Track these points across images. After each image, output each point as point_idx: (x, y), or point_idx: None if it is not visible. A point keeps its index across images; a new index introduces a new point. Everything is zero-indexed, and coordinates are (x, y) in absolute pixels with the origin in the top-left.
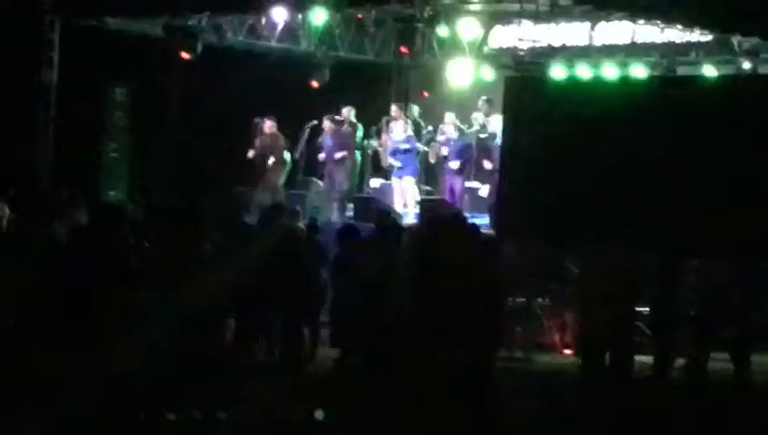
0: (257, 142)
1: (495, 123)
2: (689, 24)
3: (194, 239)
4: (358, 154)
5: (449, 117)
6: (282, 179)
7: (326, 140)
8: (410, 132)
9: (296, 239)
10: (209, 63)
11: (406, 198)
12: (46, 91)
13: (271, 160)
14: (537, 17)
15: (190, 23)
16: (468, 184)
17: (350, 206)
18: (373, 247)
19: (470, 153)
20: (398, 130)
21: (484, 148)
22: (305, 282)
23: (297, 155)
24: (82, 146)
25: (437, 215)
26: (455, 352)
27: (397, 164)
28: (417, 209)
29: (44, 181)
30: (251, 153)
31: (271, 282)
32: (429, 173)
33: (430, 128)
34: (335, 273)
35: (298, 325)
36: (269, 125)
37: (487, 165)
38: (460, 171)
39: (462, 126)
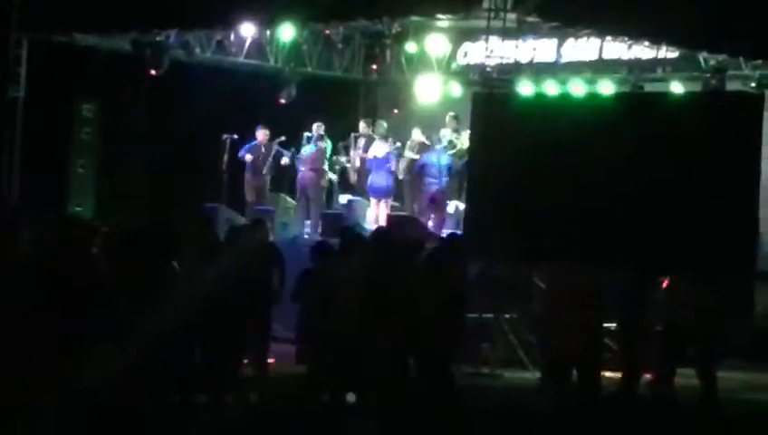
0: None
1: (465, 138)
2: (656, 40)
3: (161, 256)
4: (327, 170)
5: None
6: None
7: (302, 155)
8: (390, 150)
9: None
10: (178, 79)
11: (380, 218)
12: (13, 107)
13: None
14: (505, 34)
15: (158, 39)
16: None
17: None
18: (343, 263)
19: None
20: (380, 149)
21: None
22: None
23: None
24: (50, 162)
25: (397, 233)
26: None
27: (380, 183)
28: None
29: (11, 197)
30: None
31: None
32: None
33: (398, 144)
34: (305, 289)
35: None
36: (264, 133)
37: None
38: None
39: (427, 141)
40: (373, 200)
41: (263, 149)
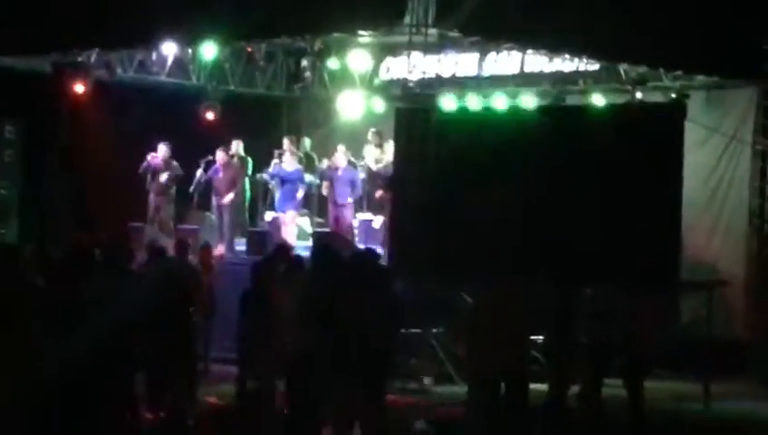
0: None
1: (389, 153)
2: (577, 53)
3: (76, 277)
4: (248, 188)
5: (341, 149)
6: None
7: (218, 171)
8: (298, 166)
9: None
10: (100, 99)
11: (287, 232)
12: None
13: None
14: (426, 48)
15: (79, 59)
16: (361, 216)
17: (243, 240)
18: (284, 281)
19: (357, 185)
20: (287, 164)
21: (375, 179)
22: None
23: (192, 189)
24: None
25: (332, 249)
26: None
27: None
28: (309, 242)
29: None
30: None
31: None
32: (324, 206)
33: (326, 161)
34: (246, 307)
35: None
36: (164, 150)
37: (378, 195)
38: (345, 203)
39: (352, 159)
40: (279, 213)
41: (163, 167)
